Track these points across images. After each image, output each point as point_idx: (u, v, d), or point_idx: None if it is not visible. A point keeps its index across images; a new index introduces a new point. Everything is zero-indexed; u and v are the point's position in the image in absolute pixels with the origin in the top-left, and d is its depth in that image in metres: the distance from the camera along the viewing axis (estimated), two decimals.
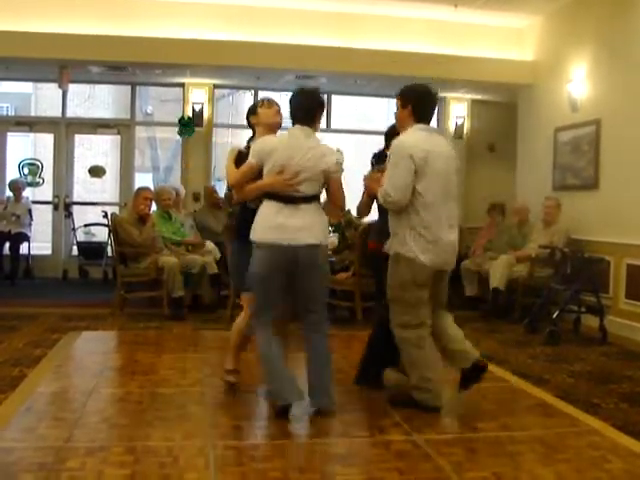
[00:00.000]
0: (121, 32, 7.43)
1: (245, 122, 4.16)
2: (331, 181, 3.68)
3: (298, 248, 3.55)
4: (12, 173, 9.40)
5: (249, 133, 4.14)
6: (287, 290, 3.68)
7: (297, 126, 3.71)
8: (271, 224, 3.58)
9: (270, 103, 4.02)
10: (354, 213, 7.08)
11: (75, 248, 9.26)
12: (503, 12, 7.90)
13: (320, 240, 3.62)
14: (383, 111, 13.26)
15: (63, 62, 7.78)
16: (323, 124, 10.04)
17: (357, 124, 13.82)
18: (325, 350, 3.70)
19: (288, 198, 3.59)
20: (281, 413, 3.55)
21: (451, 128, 9.44)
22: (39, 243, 9.81)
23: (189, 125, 8.68)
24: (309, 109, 3.72)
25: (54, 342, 5.33)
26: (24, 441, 3.17)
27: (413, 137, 3.74)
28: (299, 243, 3.55)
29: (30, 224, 8.89)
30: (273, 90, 8.66)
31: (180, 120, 8.73)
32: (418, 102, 3.81)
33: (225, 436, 3.31)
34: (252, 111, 4.08)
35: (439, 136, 3.94)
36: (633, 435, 3.48)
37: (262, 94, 10.00)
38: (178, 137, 9.01)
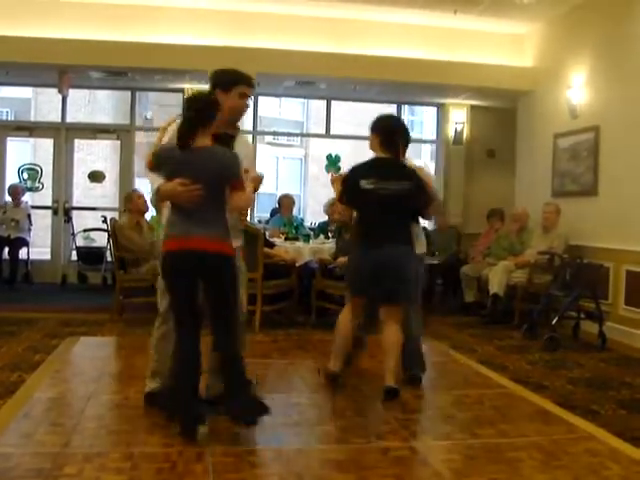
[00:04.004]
0: (121, 37, 7.45)
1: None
2: None
3: None
4: (12, 178, 9.41)
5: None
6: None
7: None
8: None
9: None
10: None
11: (74, 253, 9.24)
12: (503, 18, 7.91)
13: None
14: None
15: (63, 67, 7.80)
16: (322, 130, 10.19)
17: (356, 130, 13.82)
18: None
19: None
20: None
21: (451, 134, 9.45)
22: (38, 248, 9.80)
23: None
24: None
25: (53, 347, 5.32)
26: (22, 447, 3.16)
27: None
28: None
29: (29, 229, 8.88)
30: (273, 96, 8.66)
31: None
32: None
33: (223, 442, 3.30)
34: None
35: None
36: (632, 442, 3.47)
37: (262, 99, 10.04)
38: None
